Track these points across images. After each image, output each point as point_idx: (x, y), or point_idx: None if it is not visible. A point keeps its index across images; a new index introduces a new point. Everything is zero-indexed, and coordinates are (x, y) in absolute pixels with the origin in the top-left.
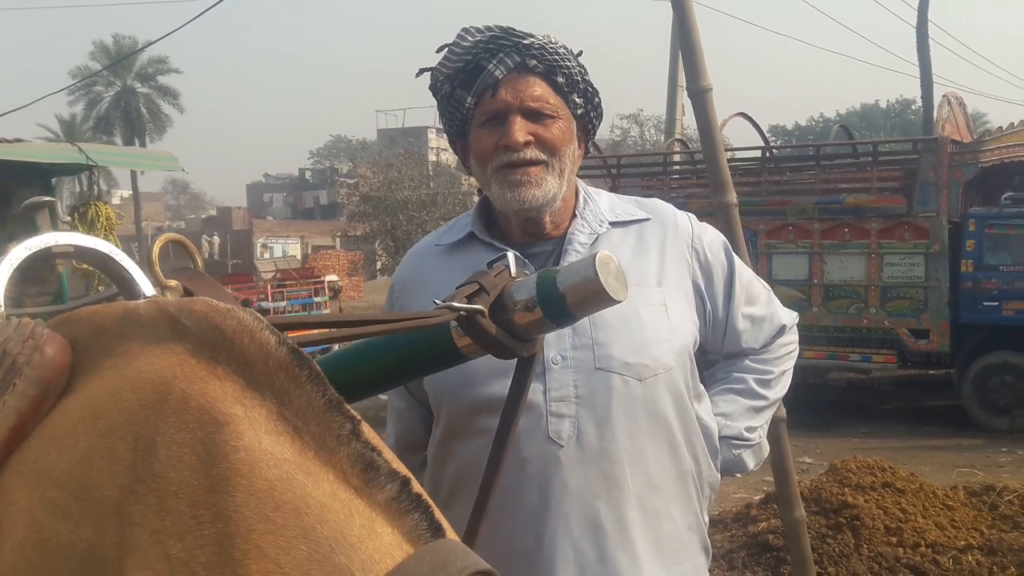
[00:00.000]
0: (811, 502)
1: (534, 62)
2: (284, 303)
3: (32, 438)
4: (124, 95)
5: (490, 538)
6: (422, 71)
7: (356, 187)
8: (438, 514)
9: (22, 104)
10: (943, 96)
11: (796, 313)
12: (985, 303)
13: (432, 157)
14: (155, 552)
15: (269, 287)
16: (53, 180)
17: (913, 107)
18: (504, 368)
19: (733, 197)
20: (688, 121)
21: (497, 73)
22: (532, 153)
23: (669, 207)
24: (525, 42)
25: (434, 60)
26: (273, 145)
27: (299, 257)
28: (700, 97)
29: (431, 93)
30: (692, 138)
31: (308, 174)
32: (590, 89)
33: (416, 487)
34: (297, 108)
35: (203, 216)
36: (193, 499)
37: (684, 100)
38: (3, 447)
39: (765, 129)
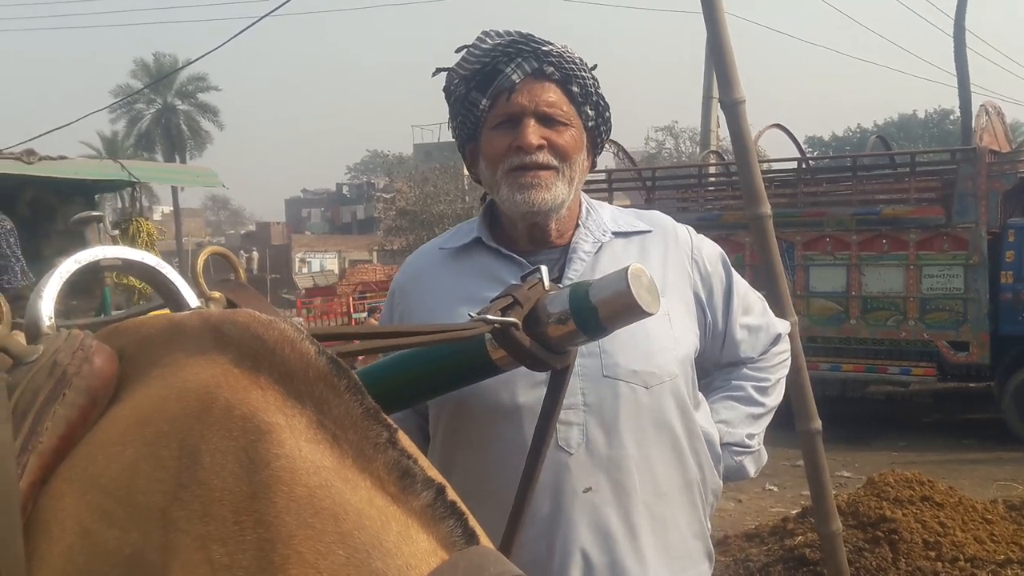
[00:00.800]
0: (848, 516)
1: (551, 69)
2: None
3: (81, 446)
4: (165, 112)
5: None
6: (439, 70)
7: (392, 201)
8: (472, 521)
9: (65, 122)
10: (981, 106)
11: (789, 322)
12: None
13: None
14: (198, 557)
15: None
16: (96, 196)
17: (951, 117)
18: (511, 377)
19: (767, 208)
20: (723, 133)
21: (514, 77)
22: (544, 157)
23: (669, 219)
24: (544, 48)
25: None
26: (311, 161)
27: (336, 271)
28: (733, 109)
29: (444, 95)
30: (727, 150)
31: (345, 189)
32: (602, 103)
33: (451, 494)
34: (334, 124)
35: (242, 231)
36: (236, 505)
37: (719, 112)
38: (53, 455)
39: (801, 140)
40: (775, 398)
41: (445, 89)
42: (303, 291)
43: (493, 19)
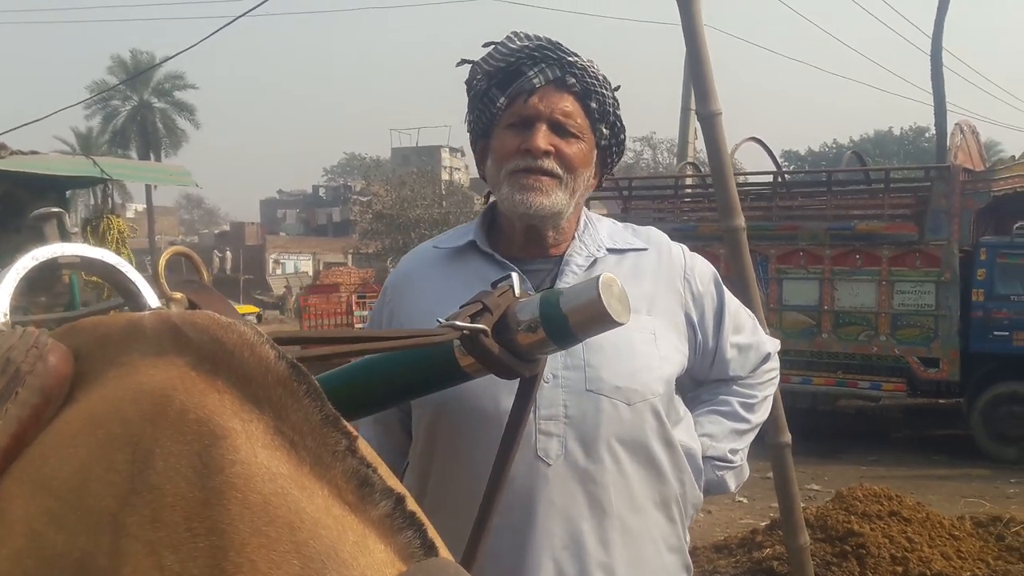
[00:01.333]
0: (817, 529)
1: (573, 80)
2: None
3: (33, 446)
4: (141, 109)
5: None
6: (464, 61)
7: (369, 205)
8: (432, 532)
9: (38, 117)
10: (956, 124)
11: (778, 341)
12: (996, 332)
13: (445, 176)
14: (148, 563)
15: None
16: (68, 193)
17: (926, 135)
18: (493, 382)
19: (741, 221)
20: (701, 144)
21: (536, 81)
22: (550, 164)
23: (664, 237)
24: (569, 59)
25: (450, 79)
26: (287, 162)
27: (311, 273)
28: (710, 121)
29: (465, 88)
30: (704, 161)
31: (322, 191)
32: (618, 124)
33: (411, 505)
34: (312, 125)
35: (216, 231)
36: (188, 511)
37: (696, 123)
38: (4, 455)
39: (778, 154)
40: (761, 415)
41: (467, 82)
42: (305, 288)
43: (472, 25)
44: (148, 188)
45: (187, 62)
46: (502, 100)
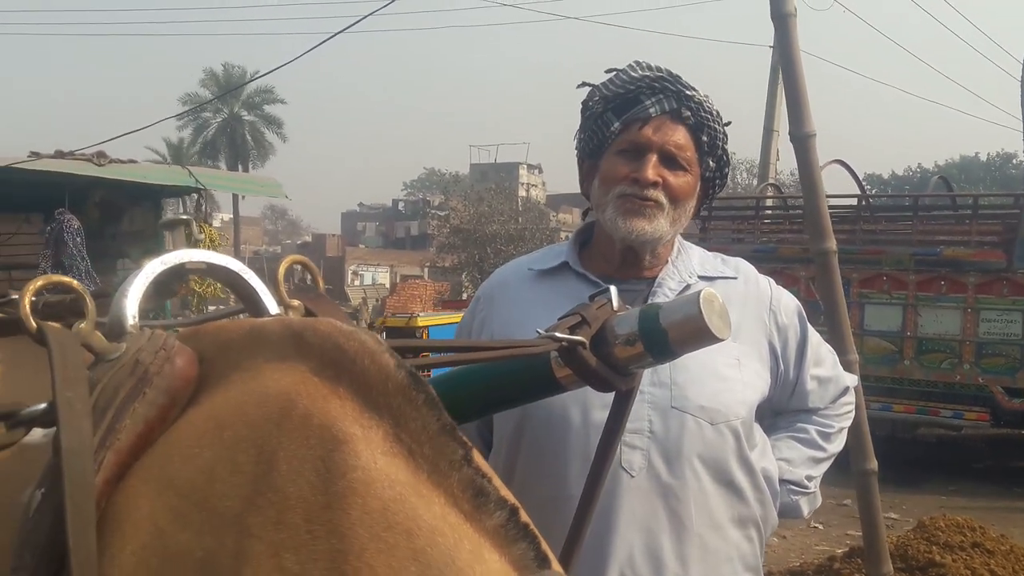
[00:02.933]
0: (897, 559)
1: (687, 113)
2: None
3: (158, 445)
4: (230, 122)
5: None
6: (584, 84)
7: (447, 219)
8: (544, 545)
9: (133, 128)
10: None
11: (856, 377)
12: None
13: (522, 193)
14: (270, 564)
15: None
16: (161, 201)
17: (1014, 160)
18: (583, 393)
19: (833, 244)
20: (781, 166)
21: (652, 111)
22: (656, 194)
23: (752, 269)
24: (687, 92)
25: (531, 98)
26: (368, 176)
27: (388, 285)
28: (803, 143)
29: (580, 108)
30: (784, 183)
31: (401, 205)
32: (725, 158)
33: (524, 516)
34: (393, 140)
35: (298, 242)
36: (310, 514)
37: (778, 145)
38: (131, 453)
39: (861, 177)
40: (837, 445)
41: (584, 103)
42: (381, 301)
43: (554, 45)
44: (235, 198)
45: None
46: (616, 125)
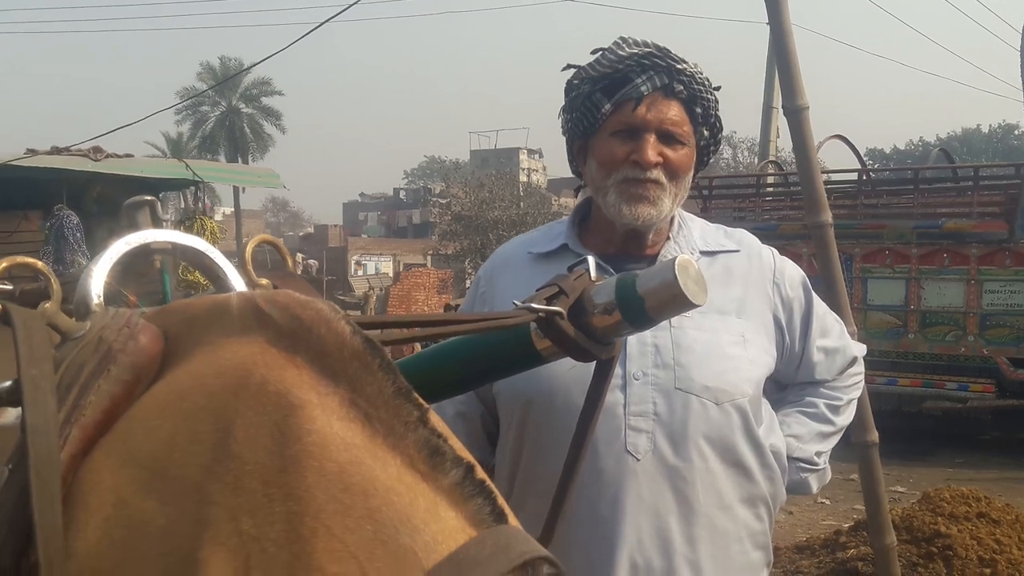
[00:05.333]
0: (903, 530)
1: (680, 87)
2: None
3: (122, 420)
4: (229, 115)
5: (563, 546)
6: (569, 66)
7: (448, 207)
8: (501, 501)
9: (130, 121)
10: None
11: (864, 346)
12: None
13: (523, 178)
14: (229, 528)
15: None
16: (160, 195)
17: (1016, 132)
18: (583, 376)
19: (828, 217)
20: (782, 144)
21: (643, 89)
22: (657, 174)
23: (755, 240)
24: (678, 66)
25: (529, 82)
26: (369, 165)
27: (391, 275)
28: (796, 116)
29: (565, 89)
30: (786, 160)
31: (402, 193)
32: (718, 124)
33: (480, 473)
34: (393, 129)
35: (300, 233)
36: (266, 478)
37: (778, 122)
38: (96, 429)
39: (862, 152)
40: (845, 418)
41: (568, 83)
42: (384, 290)
43: (551, 29)
44: (236, 191)
45: (274, 68)
46: (607, 106)
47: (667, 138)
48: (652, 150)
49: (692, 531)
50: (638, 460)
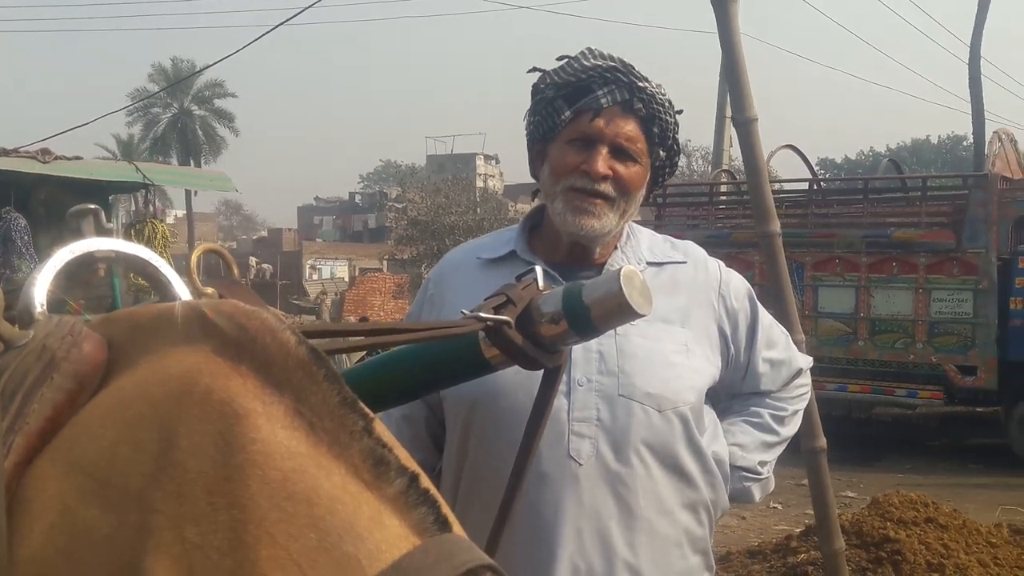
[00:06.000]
0: (852, 535)
1: (639, 105)
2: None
3: (66, 428)
4: (181, 117)
5: (505, 549)
6: (535, 69)
7: (404, 211)
8: (446, 509)
9: (80, 123)
10: (994, 132)
11: (811, 358)
12: None
13: (480, 183)
14: (171, 536)
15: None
16: (110, 198)
17: (964, 143)
18: (528, 379)
19: (777, 226)
20: (735, 152)
21: (603, 101)
22: (606, 188)
23: (701, 252)
24: (639, 84)
25: (486, 88)
26: (324, 169)
27: (346, 279)
28: (746, 127)
29: (531, 91)
30: (739, 169)
31: (358, 198)
32: (675, 147)
33: (425, 482)
34: (348, 133)
35: (254, 237)
36: (210, 487)
37: (731, 131)
38: (39, 437)
39: (814, 162)
40: (790, 429)
41: (534, 86)
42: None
43: (508, 35)
44: (188, 194)
45: (227, 71)
46: (567, 113)
47: (620, 153)
48: (603, 162)
49: (633, 536)
50: (580, 465)
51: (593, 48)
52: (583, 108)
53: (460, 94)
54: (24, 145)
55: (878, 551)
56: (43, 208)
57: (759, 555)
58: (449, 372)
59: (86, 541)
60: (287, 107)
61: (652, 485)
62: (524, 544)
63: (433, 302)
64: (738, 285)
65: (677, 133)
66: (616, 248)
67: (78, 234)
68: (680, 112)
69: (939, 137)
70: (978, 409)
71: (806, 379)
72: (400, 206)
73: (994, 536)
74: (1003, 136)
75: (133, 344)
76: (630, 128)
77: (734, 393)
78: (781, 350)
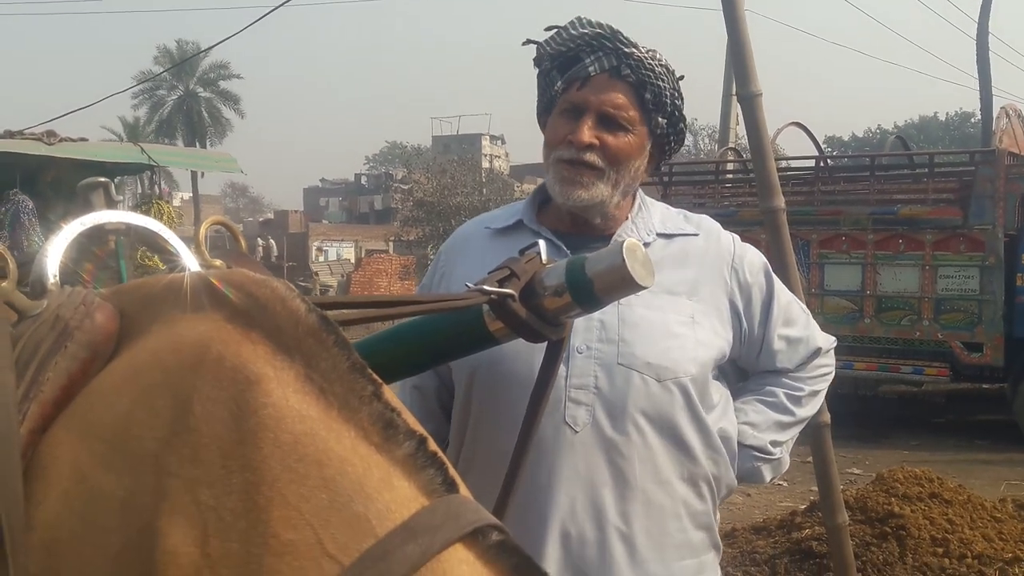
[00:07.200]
0: (857, 511)
1: (627, 71)
2: None
3: (80, 396)
4: (186, 99)
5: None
6: (530, 42)
7: (410, 192)
8: (453, 471)
9: (86, 104)
10: (1002, 108)
11: (834, 338)
12: None
13: (485, 164)
14: (186, 499)
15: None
16: (116, 179)
17: (972, 120)
18: (528, 346)
19: (781, 202)
20: (742, 130)
21: (591, 69)
22: (592, 158)
23: (716, 225)
24: (626, 50)
25: (491, 68)
26: (330, 151)
27: (353, 261)
28: (749, 102)
29: (533, 64)
30: (745, 147)
31: (364, 179)
32: (677, 113)
33: (432, 445)
34: (354, 114)
35: (260, 219)
36: (223, 450)
37: (738, 110)
38: (54, 405)
39: (821, 140)
40: (808, 409)
41: (535, 60)
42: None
43: (513, 13)
44: (194, 176)
45: (233, 53)
46: (559, 84)
47: (608, 121)
48: (588, 131)
49: (626, 505)
50: (576, 432)
51: (582, 17)
52: (572, 77)
53: (465, 75)
54: (30, 127)
55: (883, 526)
56: (49, 190)
57: (763, 531)
58: (454, 345)
59: (102, 505)
60: (293, 88)
61: (649, 454)
62: (517, 508)
63: (443, 273)
64: (753, 259)
65: (679, 100)
66: (628, 219)
67: (88, 207)
68: (682, 78)
69: (947, 114)
70: (984, 386)
71: (828, 359)
72: (406, 187)
73: (999, 511)
74: (1011, 112)
75: (145, 314)
76: (618, 96)
77: (751, 370)
78: (800, 328)
